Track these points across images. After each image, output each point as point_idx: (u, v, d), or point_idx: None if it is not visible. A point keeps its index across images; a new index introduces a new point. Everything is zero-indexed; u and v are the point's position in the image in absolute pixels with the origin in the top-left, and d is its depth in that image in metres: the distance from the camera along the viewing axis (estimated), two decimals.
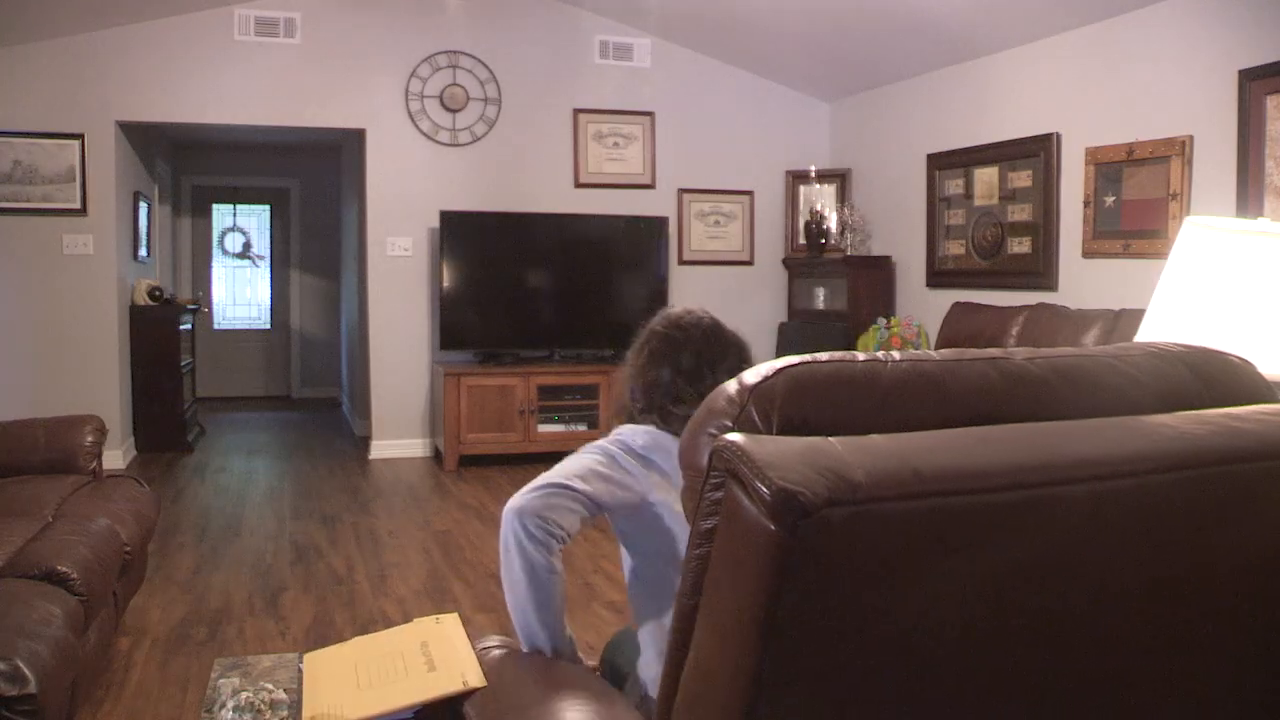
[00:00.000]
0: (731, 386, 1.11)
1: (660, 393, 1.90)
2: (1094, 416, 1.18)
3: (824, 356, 1.14)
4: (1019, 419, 1.15)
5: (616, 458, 1.78)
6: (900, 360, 1.15)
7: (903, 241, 6.70)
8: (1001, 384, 1.17)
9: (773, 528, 0.91)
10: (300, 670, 1.95)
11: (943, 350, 1.21)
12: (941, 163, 6.26)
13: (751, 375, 1.12)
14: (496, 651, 1.67)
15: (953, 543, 0.98)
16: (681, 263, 7.20)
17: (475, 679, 1.72)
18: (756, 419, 1.07)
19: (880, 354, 1.17)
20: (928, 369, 1.15)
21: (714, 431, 1.08)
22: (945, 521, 0.97)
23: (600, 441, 1.84)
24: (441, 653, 1.86)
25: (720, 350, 2.16)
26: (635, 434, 1.83)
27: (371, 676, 1.85)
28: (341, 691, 1.81)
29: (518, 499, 1.71)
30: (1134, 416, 1.17)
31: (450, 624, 1.99)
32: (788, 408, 1.08)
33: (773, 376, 1.10)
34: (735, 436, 0.99)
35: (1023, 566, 1.02)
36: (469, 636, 1.79)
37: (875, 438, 1.03)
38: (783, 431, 1.06)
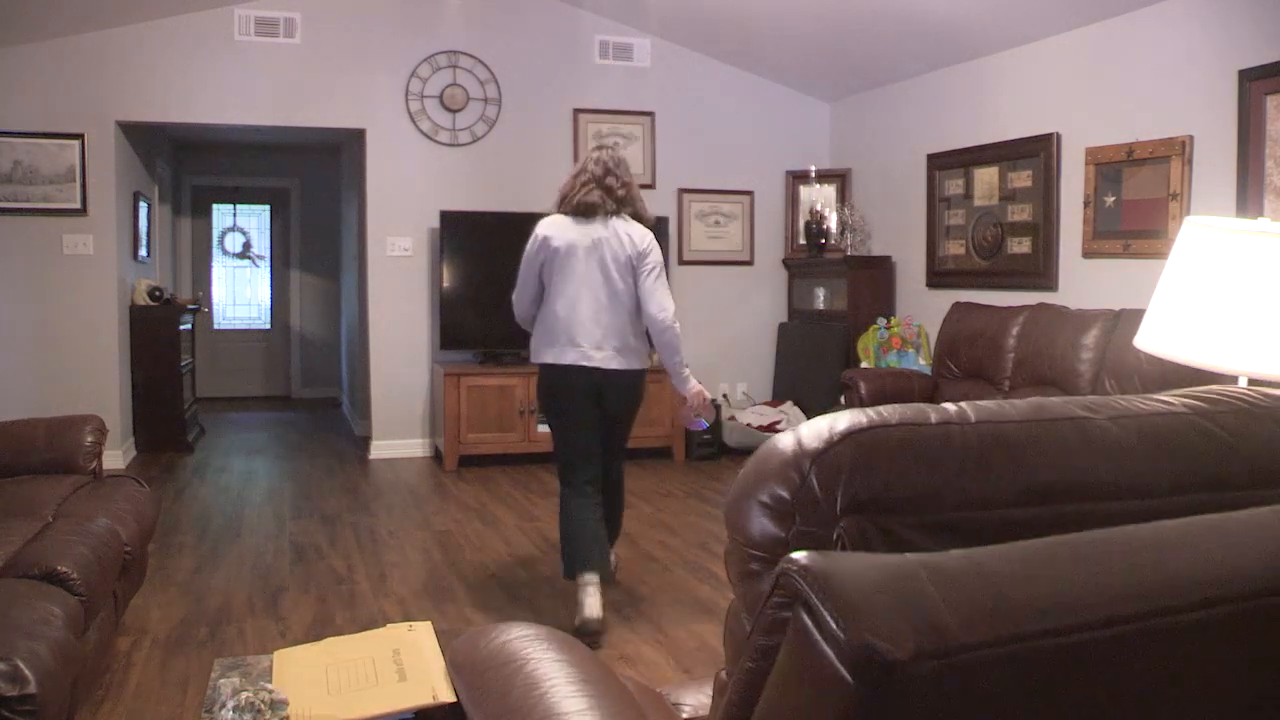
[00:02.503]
0: (787, 444, 1.02)
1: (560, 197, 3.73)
2: (1182, 489, 1.10)
3: (893, 417, 1.04)
4: (1102, 490, 1.08)
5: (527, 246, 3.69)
6: (975, 420, 1.06)
7: (903, 241, 6.70)
8: (1083, 450, 1.08)
9: (851, 681, 0.80)
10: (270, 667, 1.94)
11: (1020, 404, 1.12)
12: (941, 163, 6.26)
13: (812, 437, 1.01)
14: (515, 642, 1.53)
15: (1046, 686, 0.87)
16: (681, 263, 7.20)
17: (445, 693, 1.71)
18: (818, 491, 0.99)
19: (952, 410, 1.07)
20: (1006, 433, 1.06)
21: (766, 500, 1.00)
22: (1039, 664, 0.86)
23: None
24: (413, 662, 1.85)
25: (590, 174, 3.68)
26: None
27: (341, 681, 1.84)
28: (309, 693, 1.80)
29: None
30: (1233, 515, 1.05)
31: (423, 632, 1.98)
32: (855, 482, 0.99)
33: (838, 443, 1.00)
34: (805, 559, 0.87)
35: (1119, 700, 0.92)
36: (479, 631, 1.77)
37: (959, 558, 0.91)
38: (848, 509, 0.98)
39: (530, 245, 3.65)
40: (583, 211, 3.59)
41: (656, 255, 3.61)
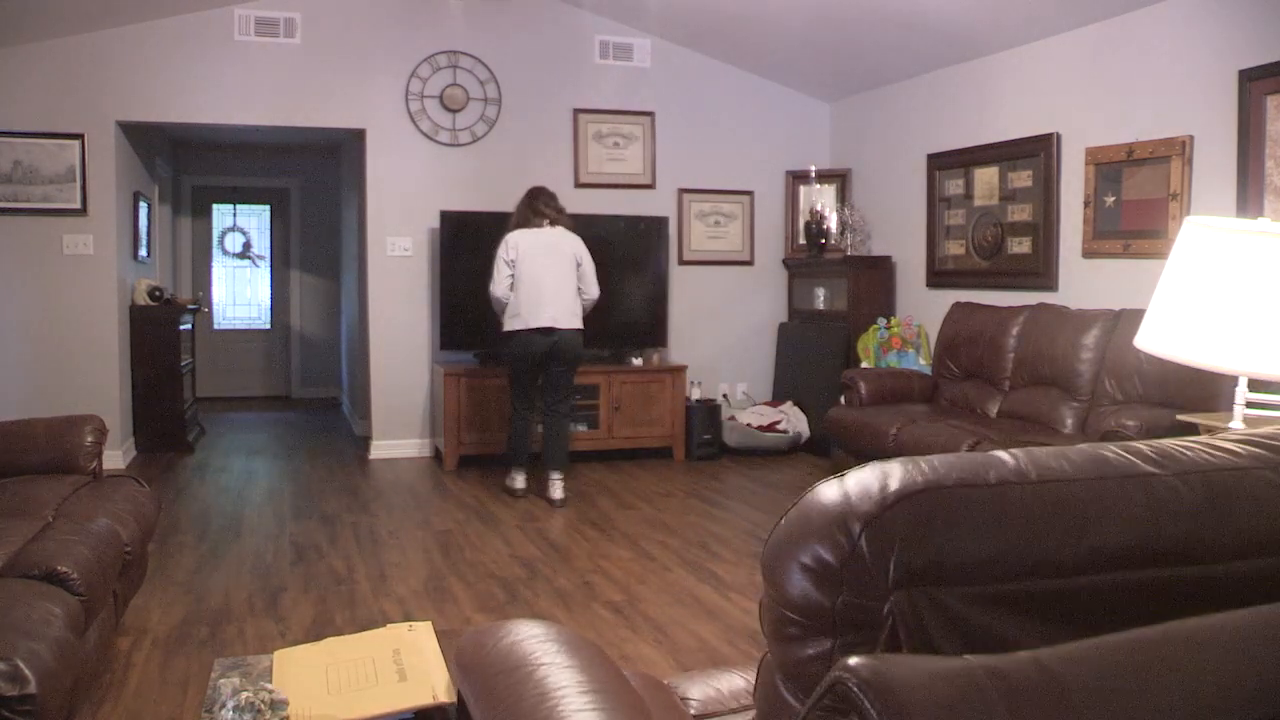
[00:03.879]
0: (833, 499, 0.95)
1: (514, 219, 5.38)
2: (1252, 553, 1.04)
3: (949, 476, 0.96)
4: (1170, 555, 1.01)
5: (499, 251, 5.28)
6: (1036, 479, 0.99)
7: (903, 241, 6.70)
8: (1149, 513, 1.01)
9: None
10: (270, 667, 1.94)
11: (1081, 458, 1.05)
12: (941, 163, 6.26)
13: (862, 496, 0.94)
14: (525, 644, 1.51)
15: None
16: (681, 263, 7.21)
17: (445, 694, 1.71)
18: (869, 560, 0.91)
19: (1009, 465, 1.00)
20: (1068, 494, 0.99)
21: (809, 563, 0.94)
22: None
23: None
24: (413, 662, 1.85)
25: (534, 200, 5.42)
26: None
27: (341, 681, 1.84)
28: (309, 693, 1.80)
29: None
30: None
31: (423, 633, 1.98)
32: (909, 551, 0.91)
33: (892, 506, 0.93)
34: (865, 670, 0.79)
35: None
36: (485, 630, 1.76)
37: (1028, 664, 0.83)
38: (900, 582, 0.91)
39: (502, 249, 5.33)
40: (536, 223, 5.35)
41: (588, 255, 5.40)
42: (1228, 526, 1.05)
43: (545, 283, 5.23)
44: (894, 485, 0.95)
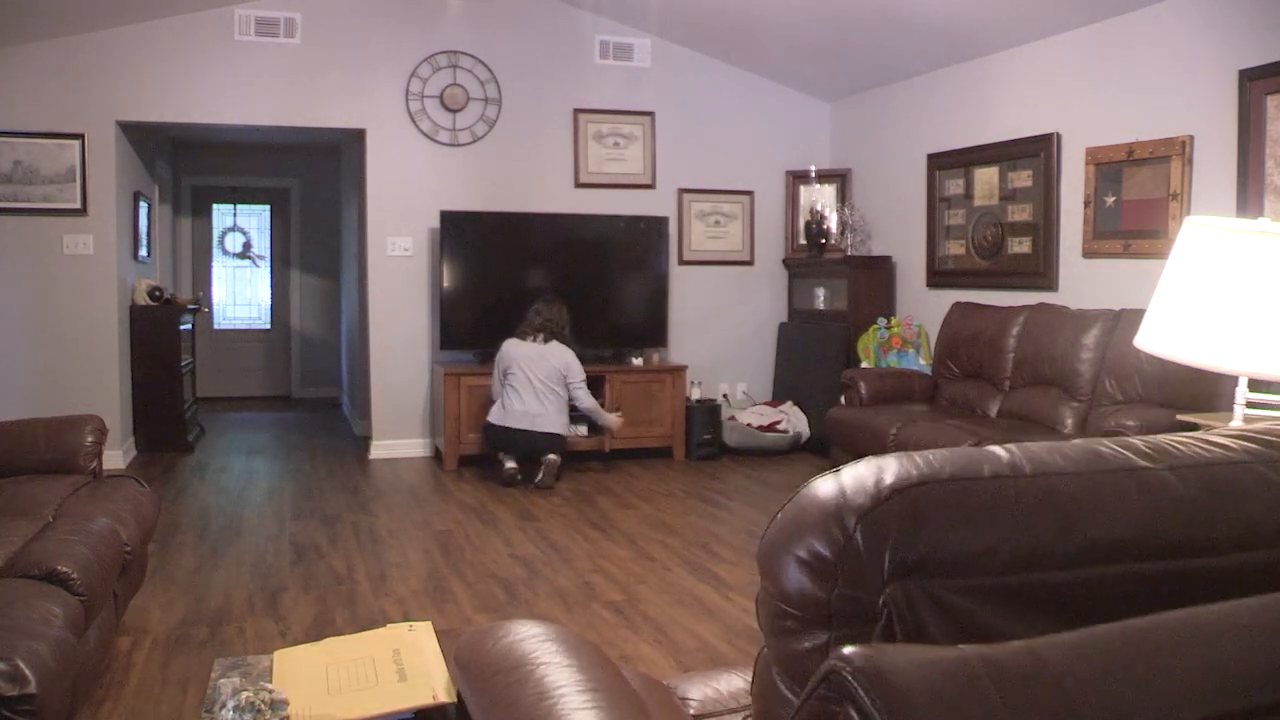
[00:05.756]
0: (829, 494, 0.96)
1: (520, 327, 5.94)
2: (1246, 545, 1.05)
3: (944, 470, 0.97)
4: (1163, 548, 1.02)
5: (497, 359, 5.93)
6: (1030, 473, 1.00)
7: (903, 241, 6.70)
8: (1142, 507, 1.02)
9: None
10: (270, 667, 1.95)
11: (1074, 452, 1.05)
12: (942, 163, 6.26)
13: (857, 490, 0.95)
14: (524, 644, 1.51)
15: None
16: (681, 263, 7.20)
17: (445, 694, 1.71)
18: (864, 553, 0.92)
19: (1004, 459, 1.01)
20: (1061, 487, 1.00)
21: (804, 556, 0.95)
22: None
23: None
24: (413, 663, 1.85)
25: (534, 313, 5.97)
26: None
27: (341, 681, 1.84)
28: (309, 693, 1.81)
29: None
30: None
31: (423, 633, 1.98)
32: (904, 544, 0.92)
33: (887, 500, 0.94)
34: (859, 659, 0.81)
35: None
36: (484, 630, 1.76)
37: (1021, 654, 0.84)
38: (895, 574, 0.92)
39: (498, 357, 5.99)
40: (524, 336, 5.95)
41: (576, 366, 5.89)
42: (1222, 520, 1.05)
43: (525, 392, 5.92)
44: (889, 480, 0.95)
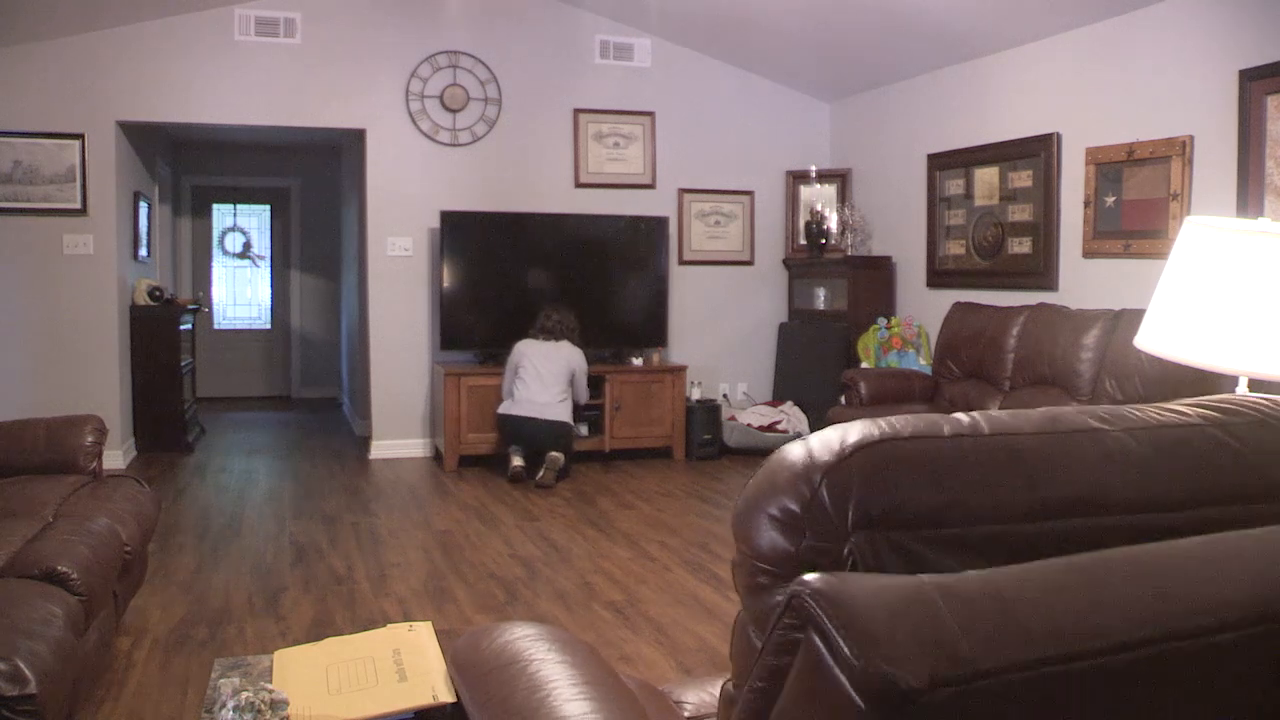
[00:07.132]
0: (798, 455, 1.00)
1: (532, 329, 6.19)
2: (1197, 502, 1.09)
3: (905, 429, 1.01)
4: (1117, 505, 1.06)
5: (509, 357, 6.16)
6: (988, 432, 1.04)
7: (903, 241, 6.70)
8: (1100, 463, 1.06)
9: (864, 708, 0.78)
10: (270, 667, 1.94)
11: (1034, 415, 1.10)
12: (942, 163, 6.26)
13: (823, 450, 0.99)
14: (518, 642, 1.53)
15: (1061, 712, 0.86)
16: (681, 263, 7.21)
17: (445, 694, 1.71)
18: (829, 506, 0.96)
19: (965, 422, 1.05)
20: (1019, 446, 1.04)
21: (775, 513, 0.98)
22: (1054, 690, 0.85)
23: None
24: (413, 662, 1.85)
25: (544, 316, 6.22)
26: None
27: (341, 681, 1.84)
28: (309, 693, 1.80)
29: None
30: (1248, 533, 1.05)
31: (424, 633, 1.98)
32: (867, 497, 0.96)
33: (850, 456, 0.98)
34: (818, 582, 0.85)
35: None
36: (481, 631, 1.76)
37: (974, 580, 0.89)
38: (860, 524, 0.96)
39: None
40: (536, 336, 6.17)
41: (583, 366, 6.16)
42: (1176, 478, 1.09)
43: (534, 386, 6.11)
44: (852, 439, 1.00)
